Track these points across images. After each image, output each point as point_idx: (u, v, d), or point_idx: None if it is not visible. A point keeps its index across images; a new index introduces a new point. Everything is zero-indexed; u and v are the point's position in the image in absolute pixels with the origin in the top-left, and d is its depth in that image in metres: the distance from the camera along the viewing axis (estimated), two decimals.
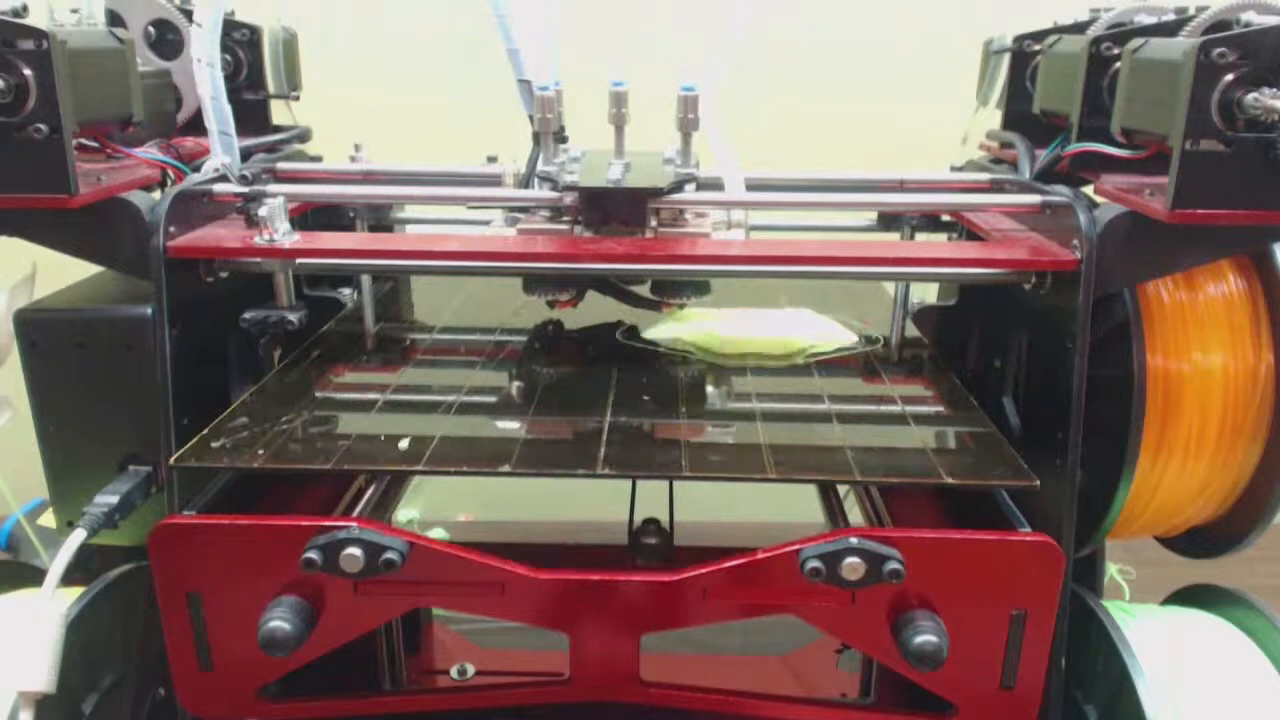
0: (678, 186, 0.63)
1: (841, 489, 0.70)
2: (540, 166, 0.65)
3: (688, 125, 0.62)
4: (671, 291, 0.67)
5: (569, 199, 0.63)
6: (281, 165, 0.74)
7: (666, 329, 0.72)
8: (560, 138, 0.65)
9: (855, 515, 0.69)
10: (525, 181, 0.68)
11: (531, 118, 0.66)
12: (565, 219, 0.65)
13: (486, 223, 0.78)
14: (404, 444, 0.56)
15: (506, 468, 0.54)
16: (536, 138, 0.66)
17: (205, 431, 0.57)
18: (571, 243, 0.62)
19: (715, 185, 0.68)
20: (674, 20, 1.14)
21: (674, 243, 0.62)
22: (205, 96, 0.63)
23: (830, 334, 0.73)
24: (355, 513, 0.64)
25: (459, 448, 0.57)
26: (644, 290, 0.69)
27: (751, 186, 0.69)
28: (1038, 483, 0.54)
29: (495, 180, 0.71)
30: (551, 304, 0.70)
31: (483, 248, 0.61)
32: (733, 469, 0.55)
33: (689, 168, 0.64)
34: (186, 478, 0.58)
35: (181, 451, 0.55)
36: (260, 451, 0.55)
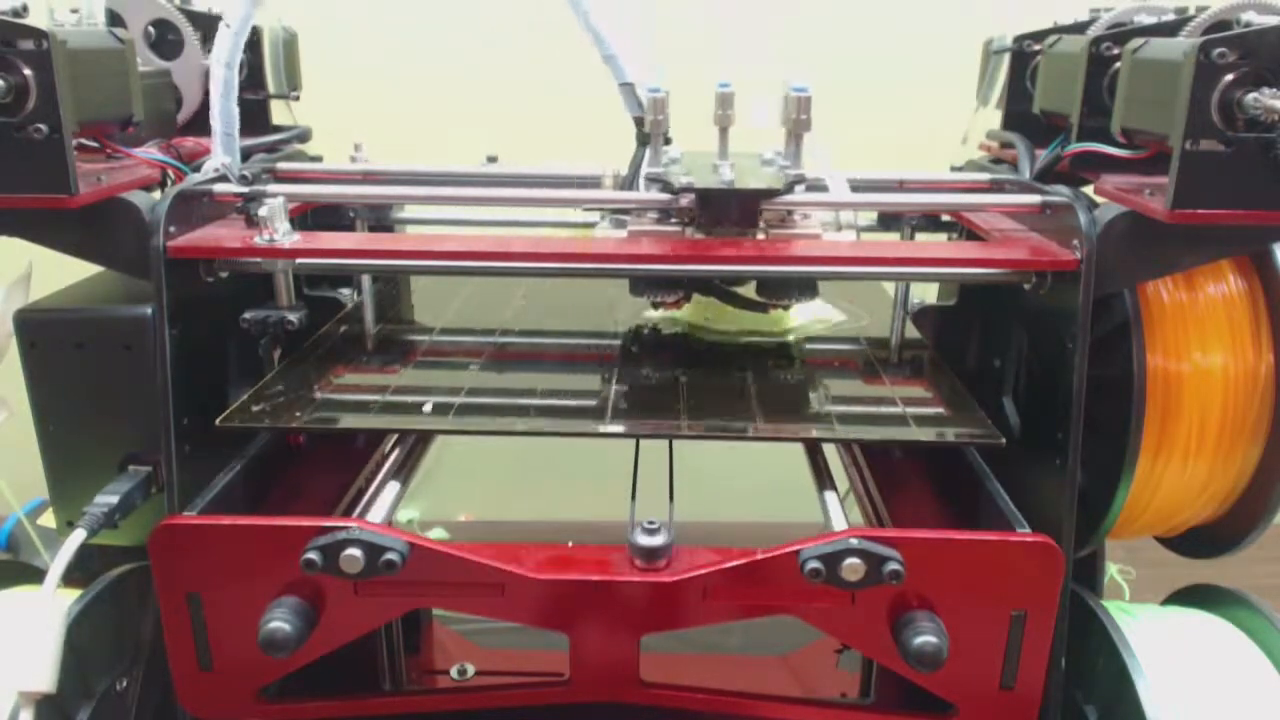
0: (790, 187, 0.63)
1: (842, 489, 0.70)
2: (648, 168, 0.65)
3: (799, 126, 0.61)
4: (778, 293, 0.66)
5: (684, 200, 0.63)
6: (281, 165, 0.74)
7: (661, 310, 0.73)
8: (666, 140, 0.65)
9: (855, 515, 0.69)
10: (629, 183, 0.68)
11: (638, 120, 0.66)
12: (674, 220, 0.65)
13: (493, 223, 0.79)
14: (428, 407, 0.60)
15: (521, 425, 0.59)
16: (644, 139, 0.66)
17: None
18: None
19: (815, 186, 0.68)
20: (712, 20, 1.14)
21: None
22: (216, 96, 0.63)
23: (818, 312, 0.75)
24: (355, 514, 0.64)
25: (478, 413, 0.61)
26: (749, 292, 0.69)
27: None
28: (1003, 440, 0.57)
29: (593, 182, 0.71)
30: (657, 305, 0.71)
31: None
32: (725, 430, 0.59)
33: (799, 169, 0.63)
34: (187, 478, 0.58)
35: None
36: (298, 412, 0.59)
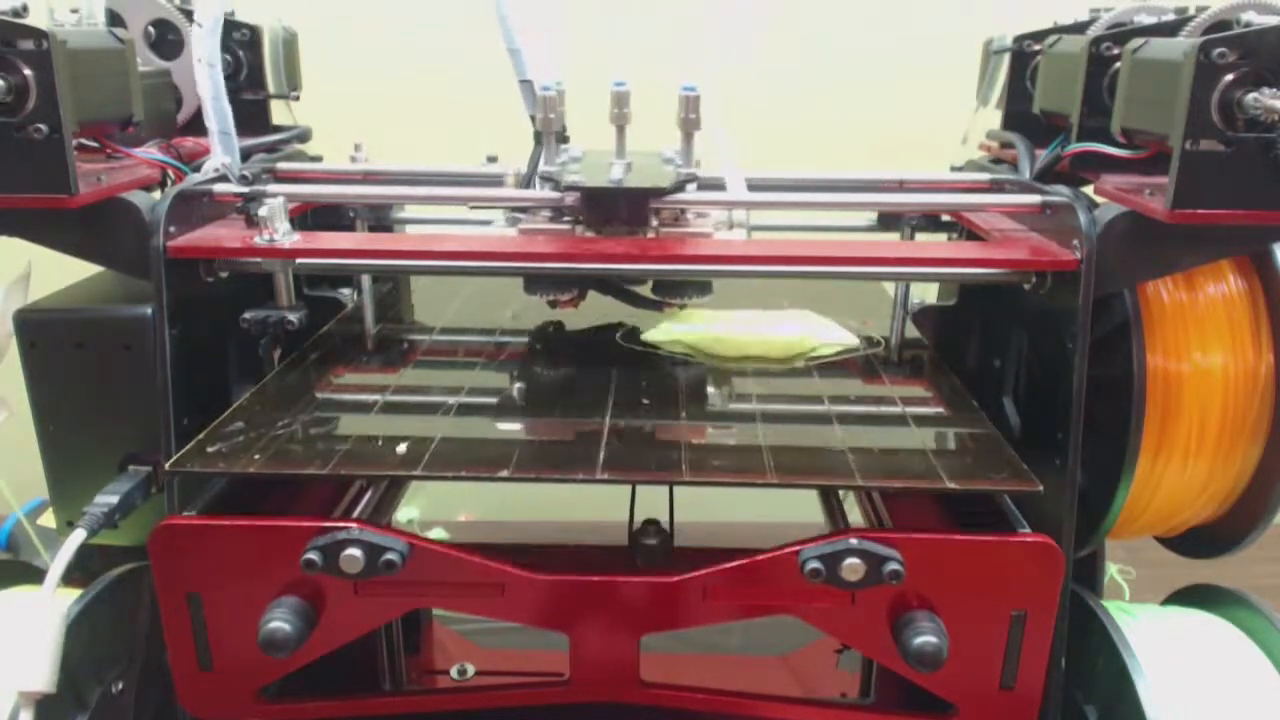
0: (679, 186, 0.63)
1: (842, 490, 0.71)
2: (542, 166, 0.65)
3: (689, 125, 0.62)
4: (673, 291, 0.67)
5: (571, 199, 0.63)
6: (281, 165, 0.74)
7: (665, 331, 0.72)
8: (562, 138, 0.65)
9: (855, 516, 0.69)
10: (527, 182, 0.68)
11: (533, 118, 0.66)
12: (567, 219, 0.65)
13: (487, 223, 0.79)
14: (402, 448, 0.56)
15: (505, 473, 0.53)
16: (538, 138, 0.66)
17: (201, 436, 0.57)
18: (573, 242, 0.62)
19: (717, 185, 0.68)
20: (674, 19, 1.14)
21: (675, 242, 0.62)
22: (205, 97, 0.63)
23: (831, 335, 0.73)
24: (355, 514, 0.64)
25: (458, 450, 0.56)
26: (645, 290, 0.69)
27: (752, 186, 0.69)
28: (1040, 487, 0.53)
29: (497, 180, 0.71)
30: (553, 304, 0.70)
31: (483, 247, 0.61)
32: (733, 473, 0.54)
33: (690, 167, 0.64)
34: (187, 478, 0.58)
35: (178, 456, 0.55)
36: (256, 456, 0.55)
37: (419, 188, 0.71)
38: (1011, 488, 0.54)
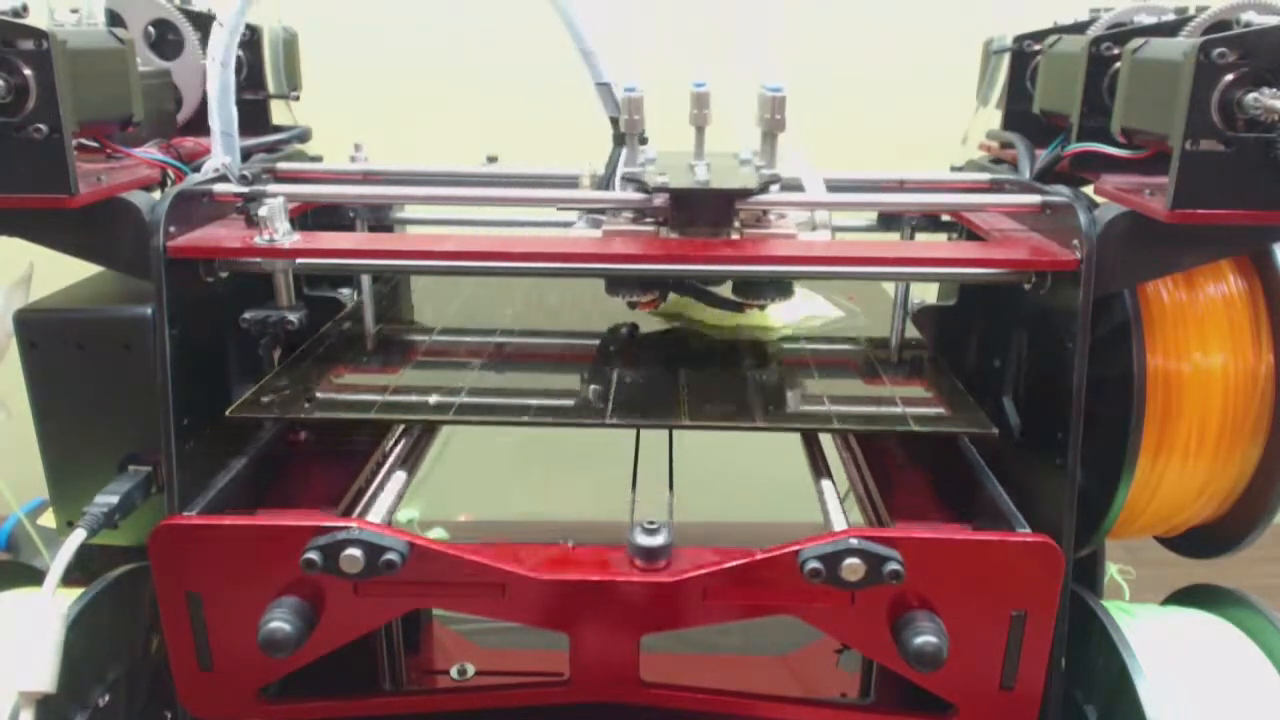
0: (764, 187, 0.63)
1: (842, 489, 0.70)
2: (624, 168, 0.65)
3: (774, 126, 0.62)
4: (755, 293, 0.66)
5: (658, 200, 0.63)
6: (281, 165, 0.74)
7: (667, 303, 0.74)
8: (642, 139, 0.65)
9: (855, 515, 0.69)
10: (606, 183, 0.68)
11: (614, 120, 0.66)
12: (649, 220, 0.65)
13: (494, 223, 0.79)
14: (433, 399, 0.61)
15: (527, 417, 0.59)
16: (619, 139, 0.66)
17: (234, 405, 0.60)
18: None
19: (794, 186, 0.68)
20: (697, 20, 1.14)
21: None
22: (213, 95, 0.63)
23: (816, 309, 0.75)
24: (355, 513, 0.64)
25: (481, 408, 0.61)
26: (725, 291, 0.70)
27: None
28: (995, 430, 0.59)
29: (570, 181, 0.71)
30: (633, 305, 0.70)
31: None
32: (725, 419, 0.59)
33: (773, 168, 0.63)
34: (187, 478, 0.58)
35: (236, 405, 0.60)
36: (305, 404, 0.60)
37: (432, 188, 0.69)
38: (967, 429, 0.60)
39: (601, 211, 0.66)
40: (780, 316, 0.75)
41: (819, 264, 0.62)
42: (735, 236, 0.63)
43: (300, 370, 0.66)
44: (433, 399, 0.62)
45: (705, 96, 0.60)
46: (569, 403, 0.63)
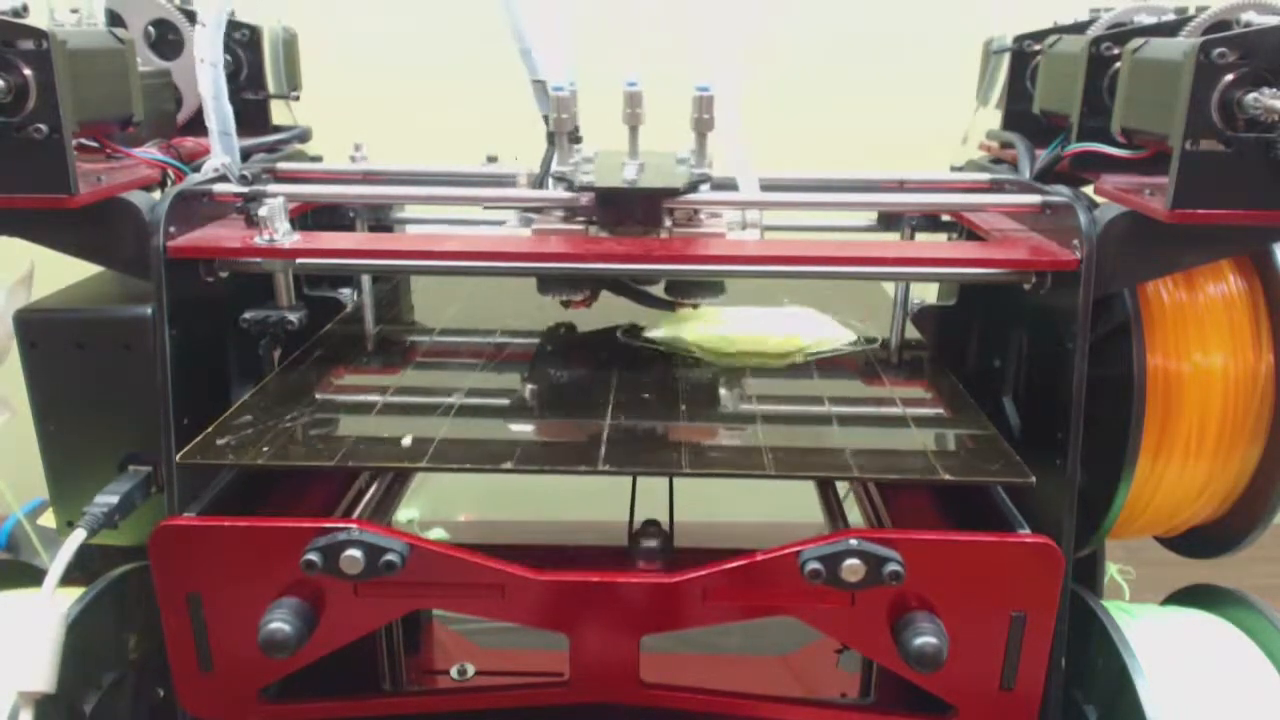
0: (693, 187, 0.63)
1: (841, 489, 0.71)
2: (555, 167, 0.65)
3: (703, 125, 0.62)
4: (686, 292, 0.66)
5: (585, 199, 0.63)
6: (281, 165, 0.74)
7: (667, 329, 0.72)
8: (575, 138, 0.65)
9: (855, 516, 0.69)
10: (540, 182, 0.68)
11: (546, 118, 0.66)
12: (580, 219, 0.64)
13: (491, 223, 0.79)
14: (407, 440, 0.56)
15: (509, 464, 0.54)
16: (551, 138, 0.66)
17: (209, 430, 0.57)
18: (586, 242, 0.62)
19: (729, 186, 0.68)
20: (687, 20, 1.14)
21: (688, 243, 0.62)
22: (207, 96, 0.62)
23: (828, 332, 0.73)
24: (355, 514, 0.64)
25: (461, 447, 0.57)
26: (658, 291, 0.69)
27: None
28: (1033, 479, 0.54)
29: (509, 180, 0.71)
30: (565, 304, 0.70)
31: (495, 248, 0.61)
32: (732, 466, 0.55)
33: (703, 168, 0.64)
34: (187, 478, 0.58)
35: (186, 449, 0.56)
36: (265, 449, 0.55)
37: (424, 188, 0.71)
38: (1004, 479, 0.55)
39: (539, 211, 0.66)
40: (794, 344, 0.73)
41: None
42: (665, 235, 0.63)
43: (262, 403, 0.62)
44: (407, 439, 0.57)
45: (639, 96, 0.60)
46: (559, 441, 0.60)
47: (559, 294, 0.66)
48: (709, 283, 0.65)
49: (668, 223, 0.64)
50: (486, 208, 0.72)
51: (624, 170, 0.62)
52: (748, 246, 0.63)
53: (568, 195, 0.64)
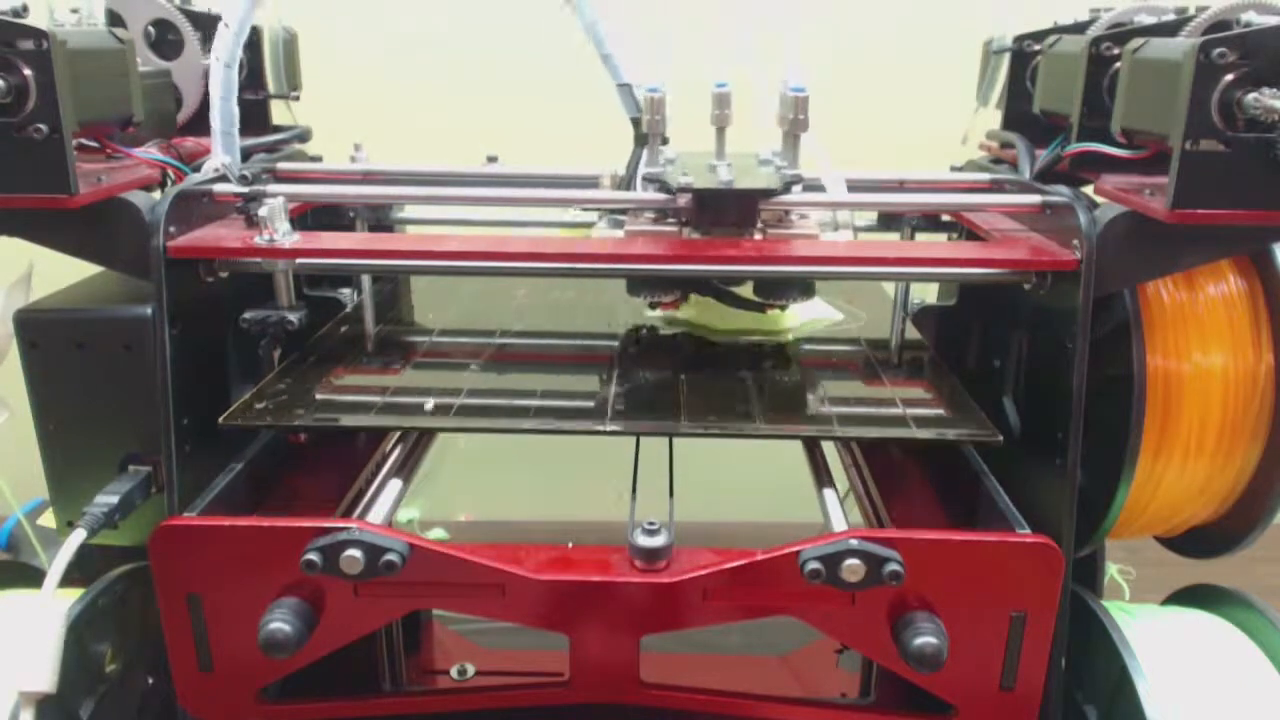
0: (787, 188, 0.63)
1: (841, 489, 0.70)
2: (645, 169, 0.65)
3: (797, 126, 0.62)
4: (776, 293, 0.66)
5: (681, 200, 0.63)
6: (281, 165, 0.74)
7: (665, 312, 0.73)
8: (663, 140, 0.65)
9: (855, 516, 0.69)
10: (627, 183, 0.68)
11: (635, 120, 0.66)
12: (671, 220, 0.64)
13: (491, 223, 0.79)
14: (429, 405, 0.60)
15: (525, 422, 0.59)
16: (640, 139, 0.66)
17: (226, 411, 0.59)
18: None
19: (815, 186, 0.68)
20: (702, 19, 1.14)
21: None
22: (216, 95, 0.63)
23: (817, 311, 0.75)
24: (355, 514, 0.64)
25: (480, 410, 0.61)
26: (745, 292, 0.69)
27: None
28: (1000, 438, 0.57)
29: (590, 182, 0.71)
30: (653, 305, 0.70)
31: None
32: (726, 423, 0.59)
33: (795, 169, 0.63)
34: (187, 478, 0.58)
35: (229, 412, 0.59)
36: (299, 411, 0.59)
37: (424, 188, 0.70)
38: (974, 437, 0.59)
39: (624, 212, 0.66)
40: (785, 320, 0.75)
41: (842, 264, 0.61)
42: (758, 237, 0.63)
43: (298, 373, 0.66)
44: (429, 404, 0.61)
45: (727, 97, 0.60)
46: (567, 405, 0.63)
47: (650, 295, 0.66)
48: (800, 283, 0.65)
49: (758, 224, 0.64)
50: (583, 208, 0.72)
51: (717, 172, 0.62)
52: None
53: (663, 197, 0.64)
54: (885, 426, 0.62)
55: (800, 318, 0.75)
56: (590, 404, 0.62)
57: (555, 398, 0.64)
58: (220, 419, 0.59)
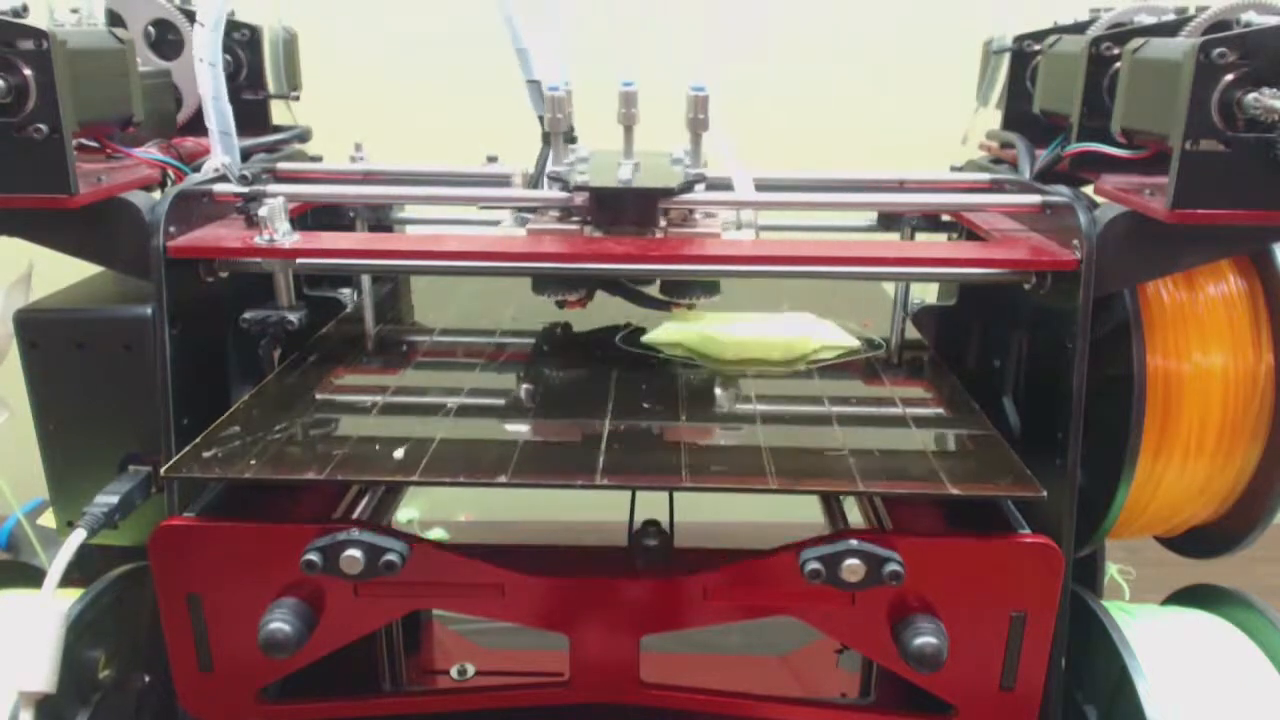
0: (688, 186, 0.63)
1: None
2: (550, 166, 0.65)
3: (697, 125, 0.62)
4: (681, 292, 0.66)
5: (580, 199, 0.63)
6: (281, 165, 0.74)
7: (667, 332, 0.72)
8: (570, 138, 0.65)
9: (855, 516, 0.69)
10: (535, 182, 0.68)
11: (541, 118, 0.66)
12: (575, 219, 0.64)
13: (491, 223, 0.79)
14: (399, 454, 0.54)
15: (503, 478, 0.52)
16: (546, 138, 0.66)
17: (198, 440, 0.55)
18: (581, 242, 0.62)
19: (724, 185, 0.68)
20: (679, 20, 1.14)
21: (682, 242, 0.62)
22: (206, 96, 0.62)
23: (831, 337, 0.72)
24: (355, 514, 0.64)
25: (457, 453, 0.55)
26: (653, 291, 0.69)
27: (754, 186, 0.69)
28: (1044, 493, 0.52)
29: (504, 180, 0.71)
30: (561, 304, 0.69)
31: (491, 248, 0.61)
32: (734, 478, 0.53)
33: (699, 168, 0.64)
34: (187, 479, 0.58)
35: (173, 461, 0.54)
36: (253, 461, 0.53)
37: (421, 188, 0.71)
38: (1014, 493, 0.54)
39: (533, 211, 0.66)
40: (798, 349, 0.71)
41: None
42: (660, 235, 0.63)
43: (255, 408, 0.61)
44: (398, 453, 0.54)
45: (633, 96, 0.60)
46: (554, 452, 0.58)
47: (555, 294, 0.66)
48: (704, 282, 0.65)
49: (662, 223, 0.64)
50: (482, 207, 0.72)
51: (619, 170, 0.62)
52: (743, 246, 0.63)
53: (563, 195, 0.64)
54: (911, 480, 0.54)
55: (812, 346, 0.71)
56: (578, 452, 0.56)
57: (541, 441, 0.59)
58: (163, 470, 0.54)
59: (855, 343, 0.73)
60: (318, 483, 0.53)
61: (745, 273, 0.63)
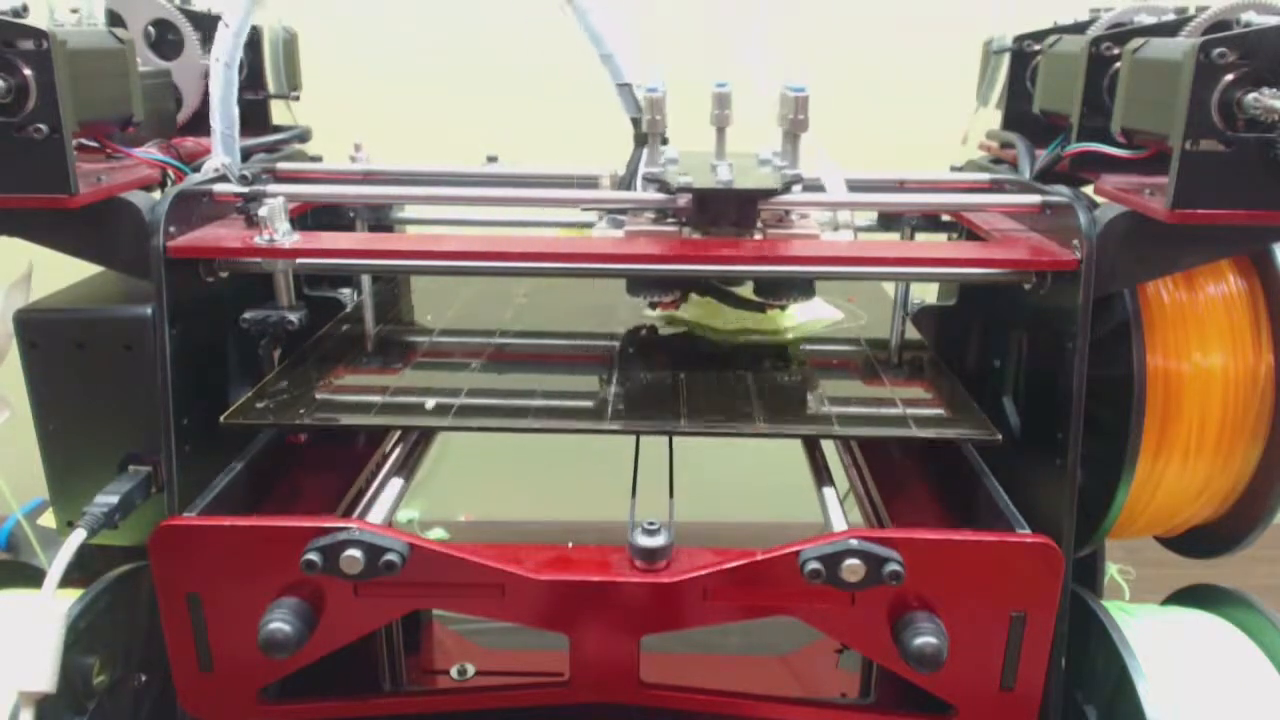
0: (787, 188, 0.63)
1: (842, 490, 0.70)
2: (645, 168, 0.65)
3: (796, 126, 0.61)
4: (776, 293, 0.66)
5: (681, 200, 0.63)
6: (281, 165, 0.74)
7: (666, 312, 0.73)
8: (663, 140, 0.65)
9: (855, 516, 0.69)
10: (627, 183, 0.68)
11: (635, 120, 0.66)
12: (671, 220, 0.64)
13: (489, 223, 0.79)
14: (430, 404, 0.61)
15: (525, 421, 0.59)
16: (640, 139, 0.66)
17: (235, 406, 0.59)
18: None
19: (815, 186, 0.68)
20: (706, 19, 1.14)
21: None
22: (216, 95, 0.63)
23: (817, 311, 0.75)
24: (355, 514, 0.64)
25: (481, 409, 0.61)
26: (745, 292, 0.69)
27: None
28: (999, 437, 0.57)
29: (591, 182, 0.71)
30: (653, 305, 0.70)
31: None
32: (725, 424, 0.59)
33: (796, 169, 0.63)
34: (187, 478, 0.58)
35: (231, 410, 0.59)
36: (301, 410, 0.59)
37: (424, 188, 0.70)
38: (972, 435, 0.59)
39: (623, 212, 0.66)
40: (785, 319, 0.75)
41: (842, 264, 0.61)
42: (758, 237, 0.63)
43: (299, 373, 0.66)
44: (430, 403, 0.61)
45: (727, 97, 0.60)
46: (567, 405, 0.63)
47: (649, 295, 0.66)
48: (800, 283, 0.65)
49: (758, 224, 0.63)
50: (584, 209, 0.72)
51: (716, 171, 0.62)
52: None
53: (662, 197, 0.64)
54: (884, 426, 0.62)
55: (800, 317, 0.75)
56: (590, 404, 0.62)
57: (555, 397, 0.64)
58: (222, 418, 0.59)
59: (839, 315, 0.76)
60: (363, 427, 0.63)
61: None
